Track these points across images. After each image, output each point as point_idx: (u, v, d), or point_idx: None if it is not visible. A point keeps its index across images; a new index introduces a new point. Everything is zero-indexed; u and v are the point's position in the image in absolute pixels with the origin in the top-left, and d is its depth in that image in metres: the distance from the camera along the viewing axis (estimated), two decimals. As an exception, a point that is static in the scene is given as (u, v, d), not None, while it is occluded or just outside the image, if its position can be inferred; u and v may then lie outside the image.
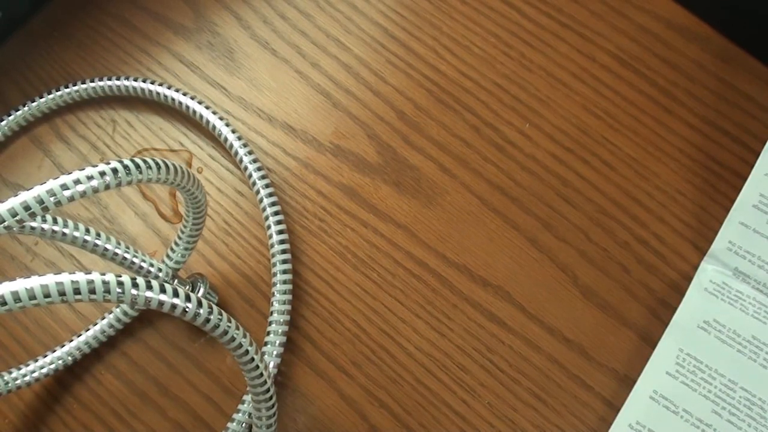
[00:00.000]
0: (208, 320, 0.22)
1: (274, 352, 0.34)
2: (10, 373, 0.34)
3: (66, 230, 0.29)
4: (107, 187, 0.22)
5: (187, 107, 0.39)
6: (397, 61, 0.41)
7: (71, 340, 0.36)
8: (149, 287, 0.20)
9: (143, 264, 0.32)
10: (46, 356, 0.35)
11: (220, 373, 0.36)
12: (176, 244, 0.33)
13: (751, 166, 0.36)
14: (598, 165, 0.38)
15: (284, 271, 0.35)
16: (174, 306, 0.21)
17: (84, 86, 0.41)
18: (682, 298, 0.34)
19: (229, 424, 0.33)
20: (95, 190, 0.21)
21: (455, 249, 0.37)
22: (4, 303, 0.19)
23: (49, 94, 0.41)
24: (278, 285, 0.35)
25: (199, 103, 0.39)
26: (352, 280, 0.37)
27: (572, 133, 0.39)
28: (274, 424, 0.28)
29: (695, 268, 0.35)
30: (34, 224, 0.28)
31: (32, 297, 0.19)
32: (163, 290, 0.21)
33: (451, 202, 0.38)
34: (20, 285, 0.19)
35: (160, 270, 0.33)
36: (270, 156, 0.40)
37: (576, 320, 0.35)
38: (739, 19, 0.40)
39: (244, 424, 0.33)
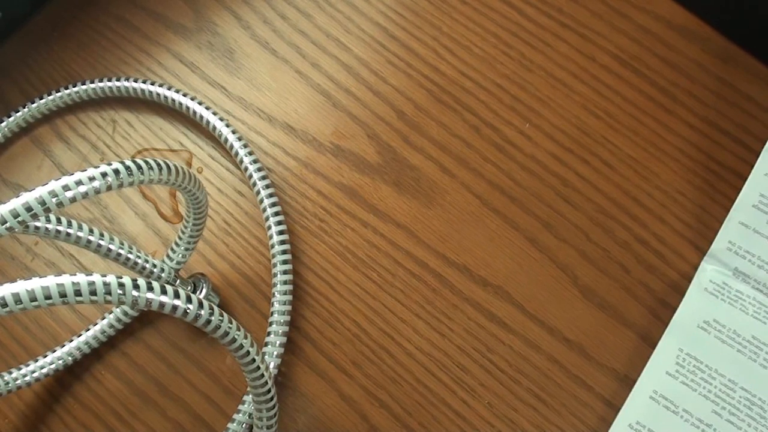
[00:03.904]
0: (209, 322, 0.22)
1: (275, 353, 0.34)
2: (10, 373, 0.34)
3: (70, 230, 0.29)
4: (109, 188, 0.22)
5: (187, 108, 0.39)
6: (397, 61, 0.41)
7: (71, 340, 0.36)
8: (150, 289, 0.20)
9: (146, 264, 0.32)
10: (46, 356, 0.35)
11: (221, 373, 0.36)
12: (177, 244, 0.33)
13: (751, 166, 0.36)
14: (598, 165, 0.38)
15: (285, 272, 0.35)
16: (175, 308, 0.21)
17: (84, 87, 0.41)
18: (682, 298, 0.34)
19: (229, 425, 0.33)
20: (97, 191, 0.21)
21: (455, 249, 0.37)
22: (5, 305, 0.19)
23: (49, 95, 0.41)
24: (278, 285, 0.35)
25: (199, 103, 0.39)
26: (352, 280, 0.37)
27: (572, 133, 0.39)
28: (275, 424, 0.28)
29: (695, 268, 0.35)
30: (38, 224, 0.28)
31: (33, 299, 0.19)
32: (164, 292, 0.21)
33: (451, 202, 0.38)
34: (21, 286, 0.19)
35: (162, 270, 0.33)
36: (270, 156, 0.40)
37: (576, 320, 0.35)
38: (739, 19, 0.40)
39: (244, 425, 0.33)
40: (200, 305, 0.22)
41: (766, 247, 0.35)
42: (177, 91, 0.40)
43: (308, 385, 0.35)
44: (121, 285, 0.20)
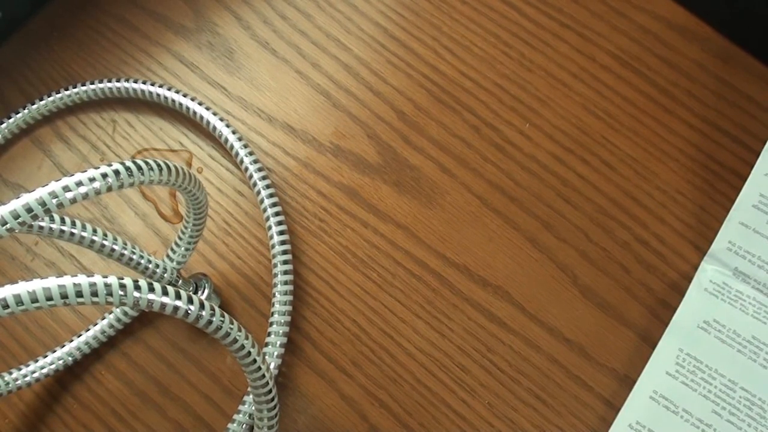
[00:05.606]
0: (210, 323, 0.22)
1: (275, 353, 0.34)
2: (11, 373, 0.34)
3: (74, 230, 0.29)
4: (109, 188, 0.22)
5: (188, 108, 0.39)
6: (397, 61, 0.41)
7: (71, 340, 0.36)
8: (152, 290, 0.20)
9: (149, 265, 0.32)
10: (46, 356, 0.35)
11: (221, 373, 0.36)
12: (177, 244, 0.33)
13: (751, 166, 0.36)
14: (598, 165, 0.38)
15: (285, 272, 0.35)
16: (176, 309, 0.21)
17: (84, 88, 0.41)
18: (682, 298, 0.34)
19: (229, 425, 0.33)
20: (97, 192, 0.21)
21: (455, 249, 0.37)
22: (6, 306, 0.19)
23: (49, 97, 0.41)
24: (279, 285, 0.35)
25: (199, 104, 0.39)
26: (352, 280, 0.37)
27: (572, 133, 0.39)
28: (276, 425, 0.28)
29: (695, 268, 0.35)
30: (42, 224, 0.28)
31: (35, 300, 0.19)
32: (165, 293, 0.21)
33: (451, 202, 0.38)
34: (23, 287, 0.19)
35: (165, 270, 0.33)
36: (270, 156, 0.40)
37: (576, 320, 0.35)
38: (739, 19, 0.40)
39: (244, 425, 0.33)
40: (201, 306, 0.22)
41: (766, 247, 0.35)
42: (177, 92, 0.40)
43: (308, 385, 0.35)
44: (123, 286, 0.20)
